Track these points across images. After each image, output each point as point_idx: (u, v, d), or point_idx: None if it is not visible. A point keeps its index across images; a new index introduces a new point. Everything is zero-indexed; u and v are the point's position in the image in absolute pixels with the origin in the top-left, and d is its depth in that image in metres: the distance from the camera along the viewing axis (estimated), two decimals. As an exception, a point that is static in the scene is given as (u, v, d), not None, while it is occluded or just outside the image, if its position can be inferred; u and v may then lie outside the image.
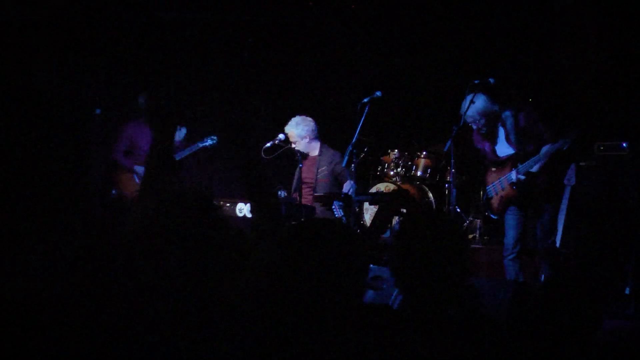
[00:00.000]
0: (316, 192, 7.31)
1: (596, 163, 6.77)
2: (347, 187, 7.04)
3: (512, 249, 6.34)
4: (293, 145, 7.33)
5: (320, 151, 7.37)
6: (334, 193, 7.26)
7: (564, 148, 6.15)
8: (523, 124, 6.30)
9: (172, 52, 8.62)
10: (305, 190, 7.35)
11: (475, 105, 6.23)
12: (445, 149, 6.51)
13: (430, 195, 8.45)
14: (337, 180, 7.34)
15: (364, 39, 9.10)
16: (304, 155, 7.27)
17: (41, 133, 1.39)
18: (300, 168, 7.44)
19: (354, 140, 6.73)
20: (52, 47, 8.02)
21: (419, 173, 8.63)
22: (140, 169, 7.58)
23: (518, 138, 6.33)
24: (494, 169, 6.53)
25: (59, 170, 1.40)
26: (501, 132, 6.44)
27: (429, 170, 8.62)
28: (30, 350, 1.32)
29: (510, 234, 6.38)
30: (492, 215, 6.65)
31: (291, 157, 7.57)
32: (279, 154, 7.42)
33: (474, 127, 6.40)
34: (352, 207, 6.96)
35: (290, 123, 7.36)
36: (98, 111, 7.27)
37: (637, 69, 7.39)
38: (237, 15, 8.71)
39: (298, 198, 7.16)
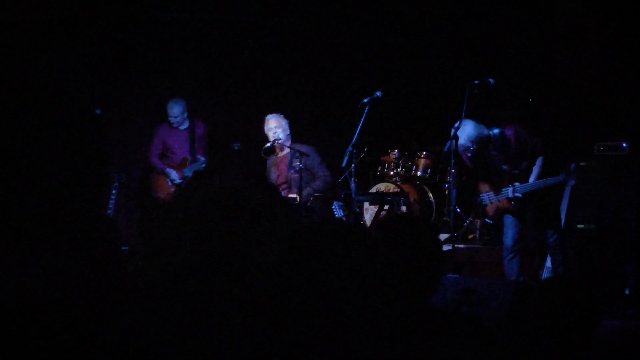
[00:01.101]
0: (291, 190, 7.28)
1: (596, 163, 6.76)
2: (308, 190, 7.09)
3: (512, 248, 6.33)
4: (272, 134, 7.30)
5: (290, 148, 7.32)
6: (333, 192, 7.25)
7: (563, 180, 6.24)
8: (514, 145, 6.25)
9: (172, 52, 8.63)
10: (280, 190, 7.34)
11: (465, 133, 6.19)
12: (445, 149, 6.50)
13: (430, 195, 8.46)
14: (312, 175, 7.30)
15: (364, 38, 9.10)
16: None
17: (43, 132, 1.39)
18: (268, 169, 7.46)
19: (354, 140, 6.73)
20: (52, 47, 8.02)
21: (419, 173, 8.64)
22: (171, 172, 7.64)
23: (510, 157, 6.30)
24: (491, 180, 6.49)
25: (63, 170, 1.39)
26: (493, 153, 6.39)
27: (429, 170, 8.63)
28: (32, 352, 1.32)
29: (509, 234, 6.37)
30: (487, 220, 6.67)
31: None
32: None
33: (468, 154, 6.33)
34: (352, 207, 6.96)
35: (273, 116, 7.36)
36: (98, 111, 7.26)
37: (637, 69, 7.39)
38: (237, 15, 8.71)
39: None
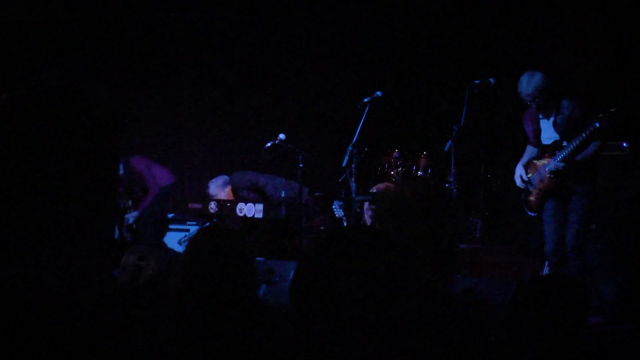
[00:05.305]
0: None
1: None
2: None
3: (553, 254, 5.76)
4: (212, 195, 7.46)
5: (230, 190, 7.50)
6: (333, 192, 7.27)
7: (597, 126, 5.41)
8: (569, 113, 5.65)
9: (172, 52, 8.63)
10: None
11: (533, 82, 5.58)
12: (445, 149, 6.48)
13: (431, 195, 8.44)
14: (255, 187, 7.41)
15: (364, 38, 9.11)
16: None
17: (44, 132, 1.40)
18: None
19: (354, 140, 6.73)
20: (52, 47, 8.03)
21: (419, 173, 8.64)
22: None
23: (565, 126, 5.69)
24: (534, 159, 5.95)
25: (71, 169, 1.40)
26: (550, 119, 5.77)
27: (429, 170, 8.63)
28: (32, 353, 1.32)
29: (548, 232, 5.84)
30: (529, 212, 6.01)
31: (291, 157, 7.57)
32: (279, 154, 7.42)
33: (534, 104, 5.67)
34: (353, 207, 6.96)
35: (210, 186, 7.50)
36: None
37: (637, 69, 7.39)
38: (237, 16, 8.72)
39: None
